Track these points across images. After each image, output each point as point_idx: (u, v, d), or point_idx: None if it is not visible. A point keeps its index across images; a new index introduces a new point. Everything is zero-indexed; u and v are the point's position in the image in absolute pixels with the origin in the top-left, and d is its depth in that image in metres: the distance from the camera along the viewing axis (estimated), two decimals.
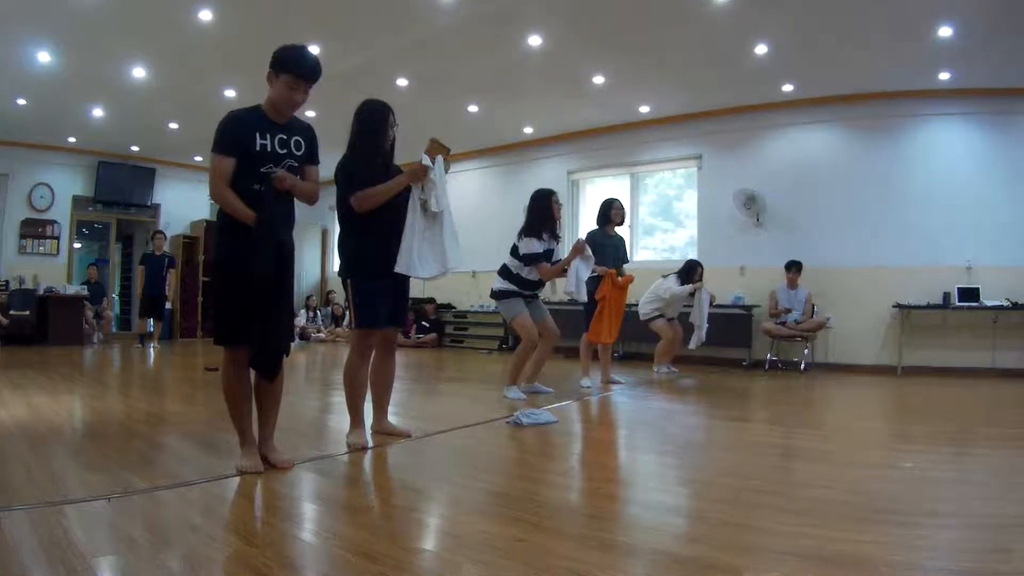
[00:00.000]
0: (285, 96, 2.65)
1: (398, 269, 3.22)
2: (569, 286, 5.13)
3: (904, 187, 7.58)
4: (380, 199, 3.14)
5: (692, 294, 6.91)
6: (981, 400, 5.67)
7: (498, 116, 9.21)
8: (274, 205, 2.63)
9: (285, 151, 2.69)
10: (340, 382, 3.37)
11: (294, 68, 2.64)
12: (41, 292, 10.04)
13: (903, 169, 7.62)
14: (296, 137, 2.74)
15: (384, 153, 3.25)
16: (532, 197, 5.03)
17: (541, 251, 4.89)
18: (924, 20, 5.86)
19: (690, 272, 6.98)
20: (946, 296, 7.18)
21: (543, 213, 4.94)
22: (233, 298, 2.61)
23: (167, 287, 9.62)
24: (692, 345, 6.99)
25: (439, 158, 3.37)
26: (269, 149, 2.65)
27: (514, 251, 4.96)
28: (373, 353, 3.37)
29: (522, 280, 4.92)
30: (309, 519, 2.25)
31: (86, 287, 10.55)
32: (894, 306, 7.41)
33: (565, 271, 5.08)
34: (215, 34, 6.42)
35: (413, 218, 3.24)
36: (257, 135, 2.62)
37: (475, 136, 10.11)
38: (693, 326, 6.98)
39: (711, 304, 7.09)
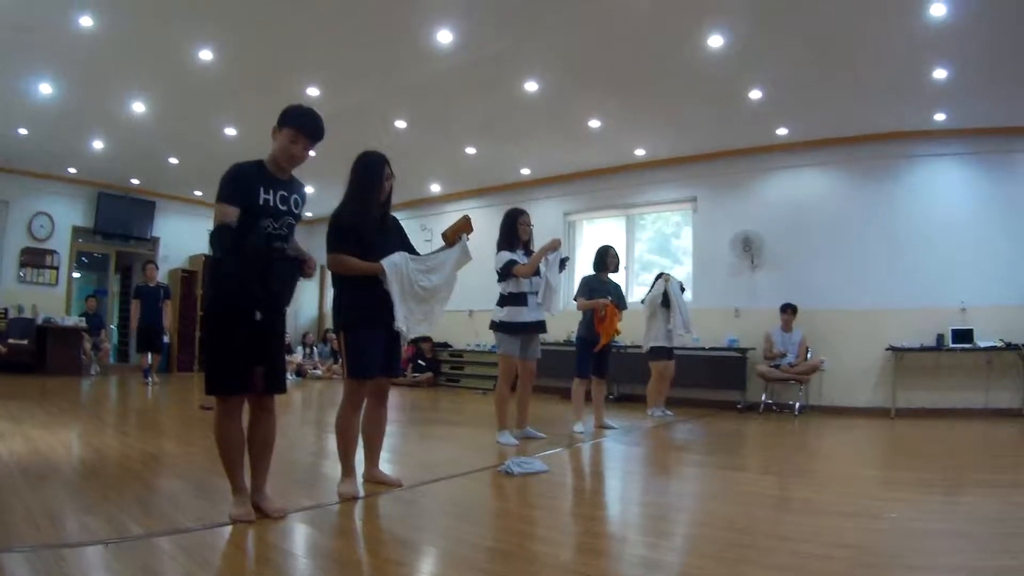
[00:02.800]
0: (286, 150, 2.72)
1: (397, 325, 3.28)
2: (539, 295, 5.06)
3: (899, 228, 7.64)
4: (351, 272, 3.24)
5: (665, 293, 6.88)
6: (973, 442, 5.71)
7: (495, 157, 9.35)
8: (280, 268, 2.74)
9: (286, 208, 2.76)
10: (334, 423, 3.39)
11: (296, 122, 2.73)
12: (40, 322, 10.09)
13: (898, 210, 7.69)
14: (295, 195, 2.82)
15: (380, 204, 3.34)
16: (503, 217, 5.17)
17: (514, 259, 4.98)
18: (919, 63, 5.92)
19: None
20: (940, 338, 7.22)
21: (510, 232, 5.10)
22: (225, 343, 2.66)
23: (164, 318, 9.42)
24: (682, 331, 6.96)
25: (463, 236, 3.55)
26: (272, 204, 2.70)
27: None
28: (365, 402, 3.40)
29: (521, 297, 4.98)
30: (299, 571, 2.28)
31: (84, 319, 10.59)
32: (887, 348, 7.44)
33: (539, 272, 5.06)
34: (215, 73, 6.55)
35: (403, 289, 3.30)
36: (260, 189, 2.67)
37: (473, 177, 10.27)
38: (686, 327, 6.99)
39: (682, 290, 7.10)
